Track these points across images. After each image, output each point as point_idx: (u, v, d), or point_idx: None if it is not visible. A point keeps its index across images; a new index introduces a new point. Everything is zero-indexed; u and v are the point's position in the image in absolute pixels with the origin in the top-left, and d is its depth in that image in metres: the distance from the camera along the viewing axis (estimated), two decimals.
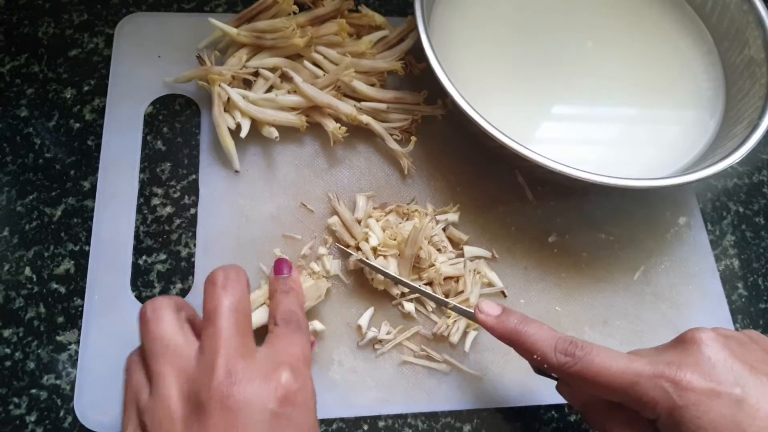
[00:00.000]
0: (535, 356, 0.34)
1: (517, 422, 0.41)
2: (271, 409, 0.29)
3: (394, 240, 0.41)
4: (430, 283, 0.42)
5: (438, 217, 0.45)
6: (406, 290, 0.42)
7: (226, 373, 0.29)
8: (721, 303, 0.46)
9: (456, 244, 0.45)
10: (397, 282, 0.41)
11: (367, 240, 0.42)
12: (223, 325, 0.31)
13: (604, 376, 0.31)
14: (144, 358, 0.32)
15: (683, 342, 0.32)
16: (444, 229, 0.45)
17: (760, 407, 0.29)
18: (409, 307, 0.42)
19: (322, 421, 0.40)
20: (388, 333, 0.41)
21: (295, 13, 0.47)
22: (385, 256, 0.42)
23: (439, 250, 0.43)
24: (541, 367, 0.34)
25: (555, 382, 0.36)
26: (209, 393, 0.28)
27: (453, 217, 0.45)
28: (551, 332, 0.34)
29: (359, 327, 0.41)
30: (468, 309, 0.38)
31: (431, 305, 0.42)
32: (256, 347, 0.32)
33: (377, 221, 0.43)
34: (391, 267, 0.41)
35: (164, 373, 0.30)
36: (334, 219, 0.43)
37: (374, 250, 0.42)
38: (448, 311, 0.41)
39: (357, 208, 0.44)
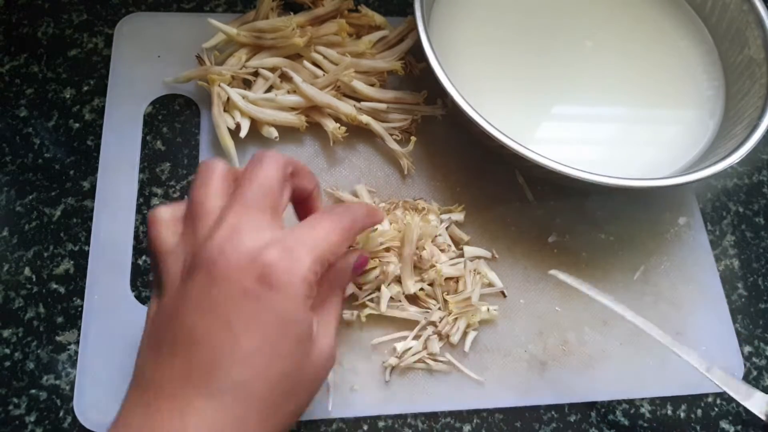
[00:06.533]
0: None
1: (517, 422, 0.41)
2: (246, 286, 0.27)
3: (400, 233, 0.41)
4: (431, 284, 0.42)
5: (442, 216, 0.45)
6: (407, 290, 0.42)
7: (224, 237, 0.28)
8: (721, 303, 0.46)
9: (456, 243, 0.45)
10: None
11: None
12: (245, 194, 0.29)
13: None
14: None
15: None
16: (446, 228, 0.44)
17: None
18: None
19: (322, 422, 0.40)
20: (400, 355, 0.41)
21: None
22: (388, 250, 0.41)
23: (442, 250, 0.43)
24: None
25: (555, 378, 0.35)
26: (200, 256, 0.28)
27: (458, 216, 0.45)
28: None
29: (393, 352, 0.41)
30: None
31: (432, 304, 0.42)
32: (278, 225, 0.30)
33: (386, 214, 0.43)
34: (392, 267, 0.41)
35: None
36: None
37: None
38: (449, 308, 0.41)
39: (360, 198, 0.44)
